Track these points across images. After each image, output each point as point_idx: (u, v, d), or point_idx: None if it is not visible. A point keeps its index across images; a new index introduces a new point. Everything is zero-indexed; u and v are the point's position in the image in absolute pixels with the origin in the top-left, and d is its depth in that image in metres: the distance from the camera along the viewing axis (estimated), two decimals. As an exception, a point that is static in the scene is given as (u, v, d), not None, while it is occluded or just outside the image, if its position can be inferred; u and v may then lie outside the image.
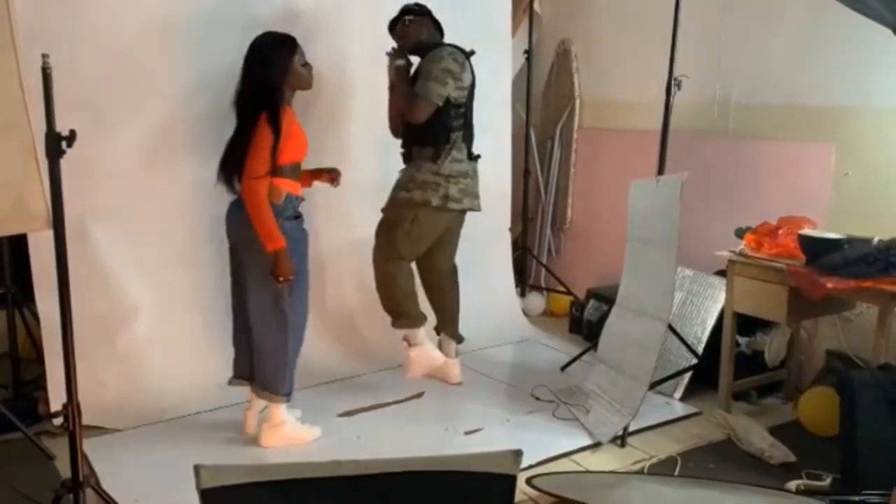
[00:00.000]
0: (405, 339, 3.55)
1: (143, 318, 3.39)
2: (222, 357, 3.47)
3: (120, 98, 3.21)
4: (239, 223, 2.90)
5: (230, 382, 3.14)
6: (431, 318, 3.68)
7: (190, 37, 3.32)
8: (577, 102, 4.85)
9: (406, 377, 3.59)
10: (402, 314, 3.50)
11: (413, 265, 3.55)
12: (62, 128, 2.09)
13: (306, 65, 2.95)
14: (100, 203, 3.25)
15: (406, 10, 3.44)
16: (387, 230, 3.46)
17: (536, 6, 4.84)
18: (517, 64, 4.74)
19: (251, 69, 2.87)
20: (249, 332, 3.03)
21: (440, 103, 3.27)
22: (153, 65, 3.26)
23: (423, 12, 3.43)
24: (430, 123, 3.30)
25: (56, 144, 2.01)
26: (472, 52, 3.48)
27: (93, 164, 3.15)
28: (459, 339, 3.73)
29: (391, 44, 3.45)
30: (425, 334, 3.57)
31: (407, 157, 3.47)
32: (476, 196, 3.53)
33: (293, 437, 3.07)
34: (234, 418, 3.24)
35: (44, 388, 3.15)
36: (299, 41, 2.95)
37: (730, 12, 3.86)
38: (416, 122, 3.29)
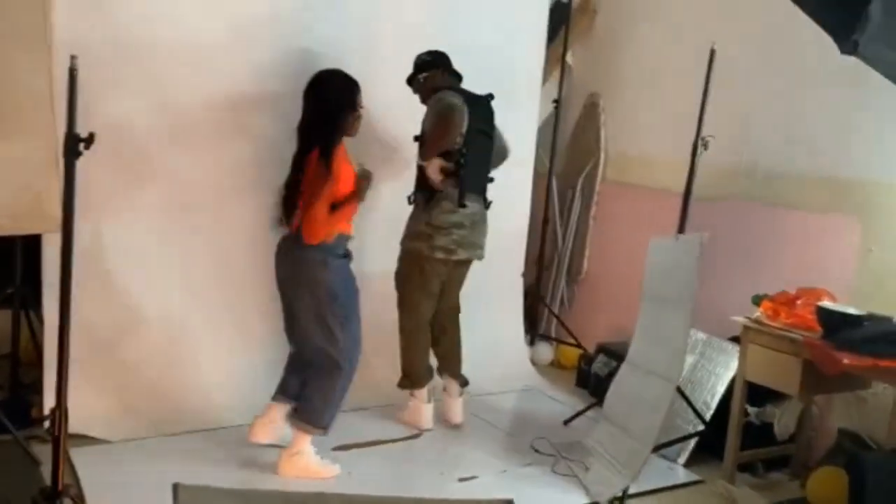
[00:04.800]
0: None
1: (147, 331, 3.37)
2: (223, 377, 3.47)
3: (147, 108, 3.24)
4: (289, 260, 2.98)
5: (274, 398, 3.14)
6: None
7: (225, 56, 3.38)
8: (602, 156, 4.84)
9: (400, 419, 3.62)
10: (410, 375, 3.59)
11: None
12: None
13: (358, 113, 3.02)
14: (117, 213, 3.26)
15: (420, 67, 3.53)
16: (400, 283, 3.57)
17: (569, 58, 4.87)
18: (545, 111, 4.75)
19: (315, 102, 2.96)
20: (307, 363, 3.07)
21: (465, 110, 3.34)
22: (181, 79, 3.30)
23: (435, 64, 3.52)
24: (424, 170, 3.38)
25: (74, 145, 2.02)
26: (491, 96, 3.55)
27: (116, 173, 3.18)
28: (464, 382, 3.69)
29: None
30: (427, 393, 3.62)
31: (411, 201, 3.54)
32: (477, 246, 3.56)
33: (310, 469, 3.00)
34: (230, 440, 3.21)
35: (40, 393, 3.12)
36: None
37: (761, 77, 3.85)
38: (454, 130, 3.35)
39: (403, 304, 3.56)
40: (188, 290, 3.46)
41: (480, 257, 3.60)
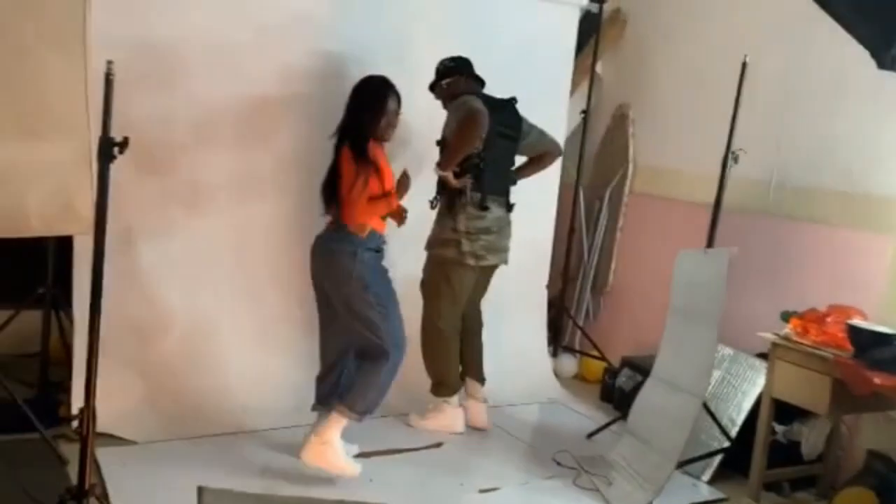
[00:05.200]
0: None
1: (175, 334, 3.41)
2: (250, 381, 3.49)
3: (176, 109, 3.29)
4: (321, 256, 3.03)
5: (313, 408, 3.14)
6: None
7: (254, 59, 3.42)
8: (631, 167, 4.81)
9: (413, 424, 3.62)
10: (445, 383, 3.58)
11: None
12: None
13: (391, 122, 3.07)
14: (146, 213, 3.30)
15: (443, 74, 3.54)
16: (428, 291, 3.56)
17: (598, 69, 4.85)
18: (573, 122, 4.73)
19: (349, 103, 3.04)
20: (340, 359, 3.11)
21: (486, 114, 3.32)
22: (210, 81, 3.34)
23: (458, 70, 3.52)
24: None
25: (109, 150, 2.05)
26: (514, 100, 3.56)
27: (145, 173, 3.22)
28: (483, 382, 3.72)
29: None
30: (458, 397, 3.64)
31: (433, 205, 3.53)
32: (503, 250, 3.57)
33: (333, 464, 2.98)
34: (254, 444, 3.23)
35: (68, 392, 3.16)
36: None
37: (794, 91, 3.80)
38: (477, 135, 3.33)
39: (433, 311, 3.55)
40: (216, 293, 3.49)
41: (506, 261, 3.61)
